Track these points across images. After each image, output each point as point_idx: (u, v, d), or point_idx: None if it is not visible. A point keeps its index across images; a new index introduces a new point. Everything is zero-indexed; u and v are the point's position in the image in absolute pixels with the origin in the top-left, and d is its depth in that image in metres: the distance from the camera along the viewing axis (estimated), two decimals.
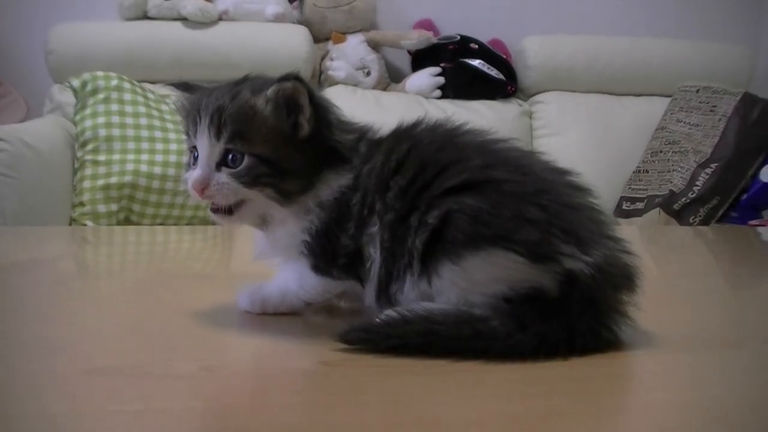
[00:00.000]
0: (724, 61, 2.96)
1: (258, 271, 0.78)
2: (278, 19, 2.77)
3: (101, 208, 2.21)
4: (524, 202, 0.62)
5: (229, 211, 0.70)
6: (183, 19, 2.66)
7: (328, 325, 0.72)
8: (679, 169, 2.50)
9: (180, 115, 0.74)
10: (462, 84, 2.83)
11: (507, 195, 0.62)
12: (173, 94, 0.76)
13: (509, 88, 2.89)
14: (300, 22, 2.88)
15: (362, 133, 0.73)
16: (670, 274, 1.16)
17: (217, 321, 0.73)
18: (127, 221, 2.27)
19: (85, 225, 2.19)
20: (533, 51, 2.92)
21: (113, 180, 2.22)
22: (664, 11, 3.22)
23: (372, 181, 0.68)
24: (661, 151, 2.63)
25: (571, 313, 0.61)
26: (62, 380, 0.55)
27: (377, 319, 0.63)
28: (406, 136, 0.71)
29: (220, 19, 2.71)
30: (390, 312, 0.63)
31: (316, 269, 0.71)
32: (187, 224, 2.33)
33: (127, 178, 2.23)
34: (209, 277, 1.09)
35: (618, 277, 0.63)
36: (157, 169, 2.26)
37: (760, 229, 2.18)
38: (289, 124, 0.69)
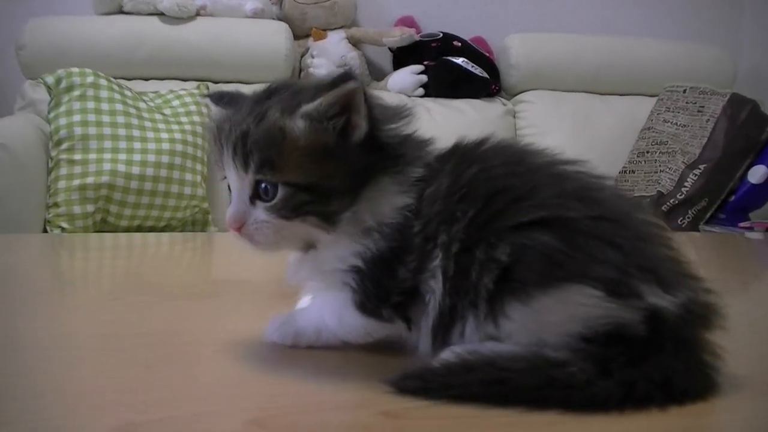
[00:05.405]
0: (708, 62, 2.95)
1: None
2: (257, 15, 2.72)
3: (77, 209, 2.13)
4: (600, 240, 0.56)
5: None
6: (160, 14, 2.59)
7: (373, 362, 0.64)
8: (667, 170, 2.48)
9: (208, 138, 0.67)
10: (445, 82, 2.78)
11: (581, 233, 0.56)
12: (208, 108, 0.68)
13: (493, 86, 2.85)
14: (280, 19, 2.82)
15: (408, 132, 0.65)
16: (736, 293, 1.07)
17: (240, 354, 0.66)
18: (103, 223, 2.19)
19: (59, 227, 2.11)
20: (516, 49, 2.88)
21: (89, 180, 2.14)
22: (647, 11, 3.22)
23: (436, 208, 0.60)
24: (647, 152, 2.60)
25: (666, 355, 0.55)
26: None
27: (435, 364, 0.57)
28: (472, 156, 0.63)
29: (197, 14, 2.65)
30: (449, 354, 0.57)
31: (363, 308, 0.63)
32: (165, 226, 2.26)
33: (104, 179, 2.15)
34: (213, 292, 0.99)
35: (705, 318, 0.58)
36: (135, 169, 2.19)
37: (747, 234, 2.16)
38: (336, 130, 0.60)
